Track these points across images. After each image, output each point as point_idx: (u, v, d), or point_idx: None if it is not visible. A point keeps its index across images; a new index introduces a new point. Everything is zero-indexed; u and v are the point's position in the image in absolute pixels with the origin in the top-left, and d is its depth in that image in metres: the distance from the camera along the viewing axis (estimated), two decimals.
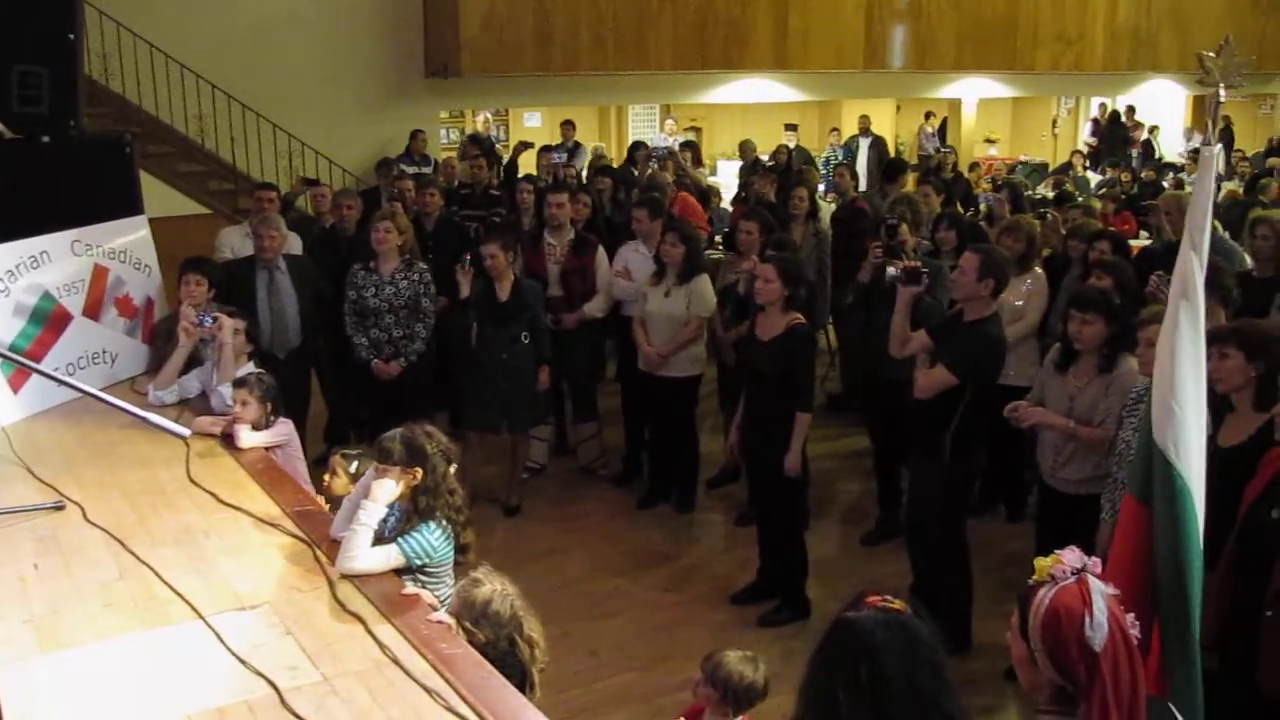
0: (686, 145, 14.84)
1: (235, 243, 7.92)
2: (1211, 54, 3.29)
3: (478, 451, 7.30)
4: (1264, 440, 4.05)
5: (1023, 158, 18.94)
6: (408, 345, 7.12)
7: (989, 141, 18.68)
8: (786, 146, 14.64)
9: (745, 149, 14.20)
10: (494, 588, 3.36)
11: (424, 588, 3.73)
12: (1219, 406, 4.16)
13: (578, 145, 14.21)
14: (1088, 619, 2.44)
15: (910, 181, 11.70)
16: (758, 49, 14.34)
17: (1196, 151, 15.96)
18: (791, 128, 16.39)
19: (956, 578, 5.59)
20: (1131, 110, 19.29)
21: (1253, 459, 4.00)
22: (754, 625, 5.93)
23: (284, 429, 5.06)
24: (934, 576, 5.65)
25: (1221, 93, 3.31)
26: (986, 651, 5.37)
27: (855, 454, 8.20)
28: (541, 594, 4.24)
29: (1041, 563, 2.53)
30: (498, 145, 15.67)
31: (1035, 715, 2.57)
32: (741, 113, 17.42)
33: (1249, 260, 7.02)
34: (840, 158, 15.82)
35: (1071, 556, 2.51)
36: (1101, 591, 2.49)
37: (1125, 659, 2.47)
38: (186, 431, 3.98)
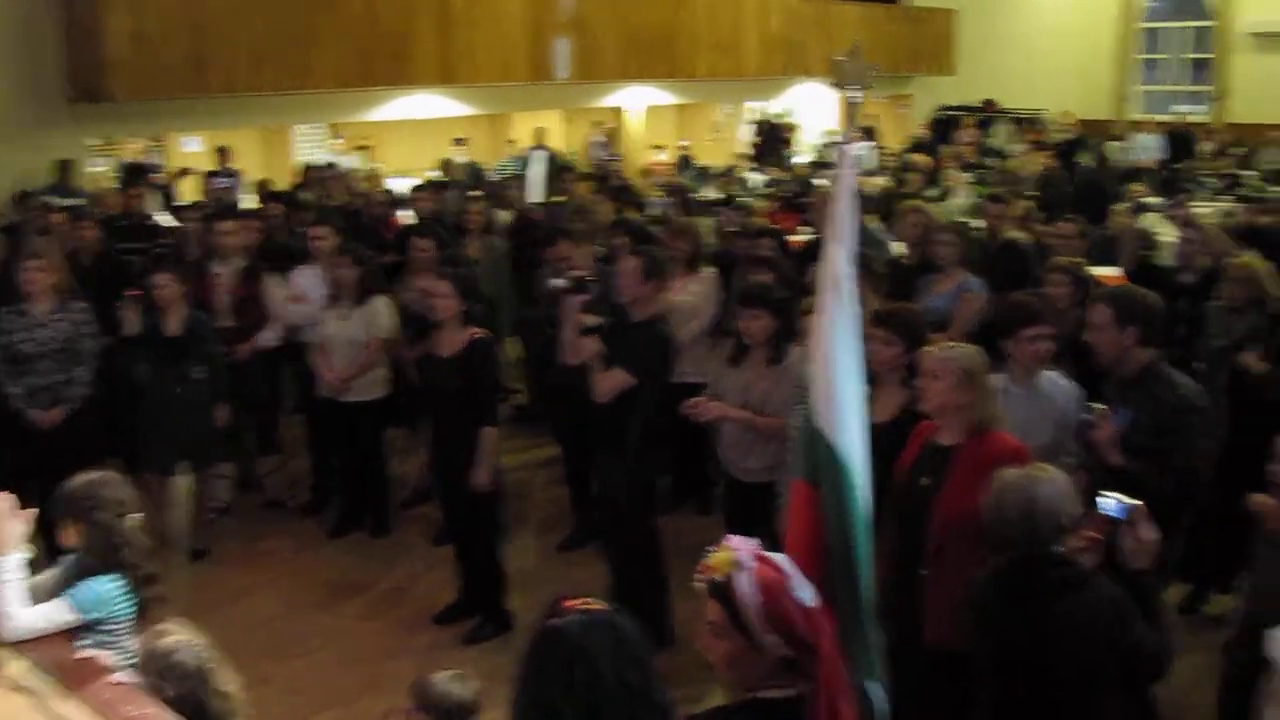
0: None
1: None
2: (842, 59, 3.47)
3: (158, 495, 6.96)
4: (911, 414, 4.36)
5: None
6: (68, 390, 6.66)
7: (656, 148, 19.20)
8: (455, 160, 14.56)
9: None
10: (179, 639, 3.21)
11: (103, 647, 3.53)
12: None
13: (236, 172, 13.70)
14: (791, 581, 2.54)
15: (583, 190, 11.90)
16: (423, 64, 14.22)
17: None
18: (461, 142, 16.39)
19: (653, 574, 5.74)
20: (787, 113, 20.26)
21: (904, 432, 4.31)
22: (459, 645, 5.90)
23: None
24: (632, 575, 5.77)
25: (855, 95, 3.50)
26: (687, 644, 5.52)
27: (547, 463, 8.27)
28: (235, 638, 4.07)
29: (720, 558, 2.56)
30: (156, 173, 14.96)
31: (752, 696, 2.58)
32: (411, 129, 17.25)
33: (897, 249, 7.53)
34: (515, 170, 15.93)
35: (738, 541, 2.59)
36: (782, 558, 2.60)
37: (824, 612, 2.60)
38: None
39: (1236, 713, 3.98)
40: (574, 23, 15.66)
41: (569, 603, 2.41)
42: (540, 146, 16.79)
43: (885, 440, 4.32)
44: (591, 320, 5.89)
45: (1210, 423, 4.61)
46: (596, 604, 2.41)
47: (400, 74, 14.15)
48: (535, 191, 14.83)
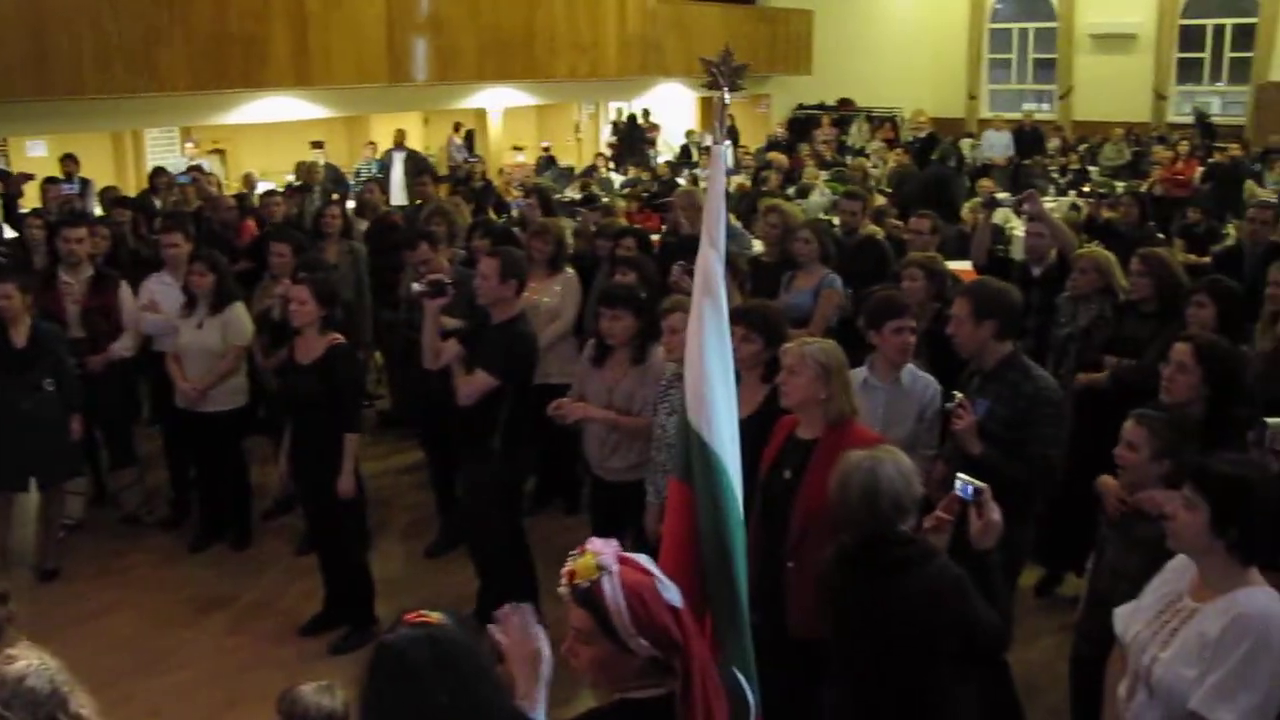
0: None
1: None
2: (714, 59, 3.49)
3: (5, 512, 6.73)
4: (772, 409, 4.44)
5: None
6: None
7: (516, 149, 19.16)
8: (312, 163, 14.30)
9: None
10: (29, 663, 3.08)
11: None
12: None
13: (85, 181, 13.25)
14: (658, 582, 2.55)
15: (443, 192, 11.82)
16: (277, 66, 13.94)
17: (706, 149, 17.19)
18: (319, 145, 16.13)
19: (520, 577, 5.73)
20: (646, 113, 20.40)
21: (765, 427, 4.38)
22: (327, 655, 5.81)
23: None
24: (499, 578, 5.76)
25: (727, 95, 3.52)
26: (557, 646, 5.51)
27: (411, 468, 8.21)
28: (92, 659, 3.98)
29: (583, 563, 2.53)
30: None
31: (622, 698, 2.58)
32: (266, 132, 16.92)
33: (758, 246, 7.63)
34: (374, 172, 15.75)
35: (600, 544, 2.58)
36: (644, 559, 2.62)
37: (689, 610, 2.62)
38: None
39: (1087, 687, 4.12)
40: (431, 23, 15.53)
41: (409, 616, 2.39)
42: (400, 148, 16.62)
43: (747, 435, 4.39)
44: (451, 323, 5.86)
45: (1062, 414, 4.75)
46: (433, 617, 2.38)
47: (254, 75, 13.85)
48: (395, 194, 14.70)
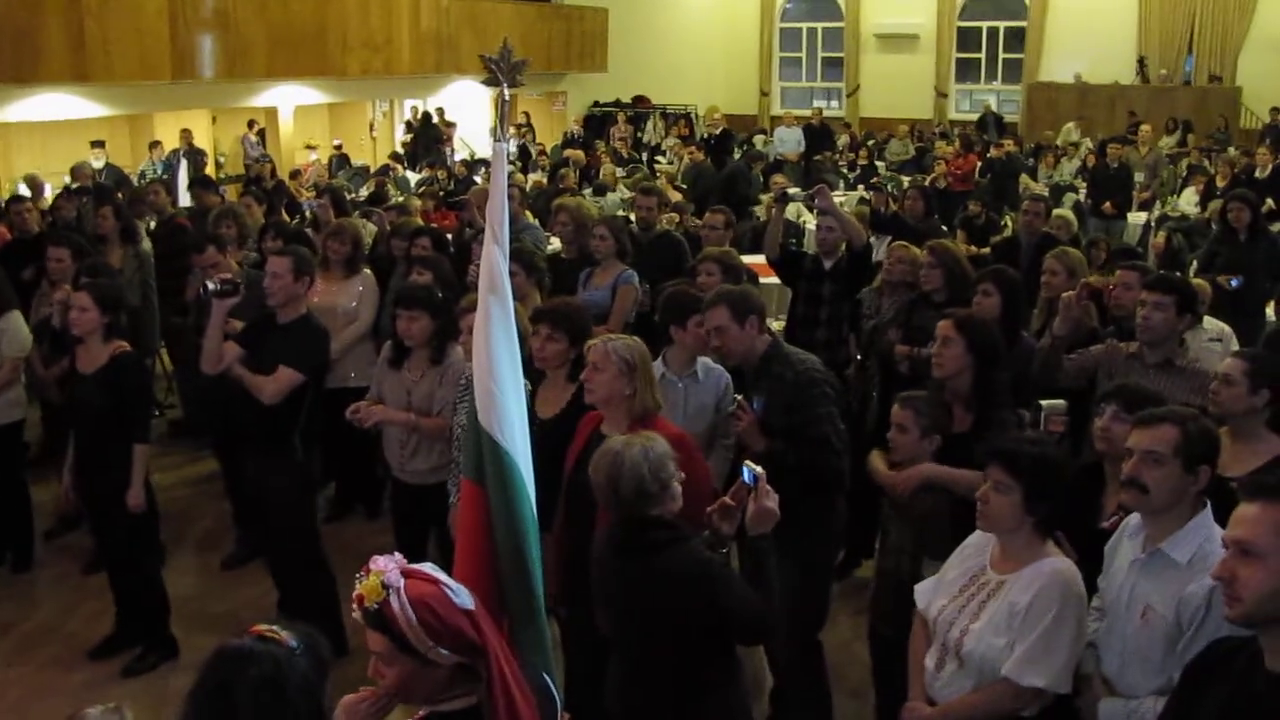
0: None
1: None
2: (493, 55, 3.45)
3: None
4: (579, 407, 4.44)
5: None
6: None
7: (309, 148, 18.72)
8: (83, 163, 13.67)
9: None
10: None
11: None
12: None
13: None
14: (446, 589, 2.53)
15: (232, 193, 11.47)
16: (52, 61, 13.24)
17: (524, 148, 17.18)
18: (99, 144, 15.45)
19: (319, 583, 5.59)
20: (441, 111, 20.20)
21: (572, 425, 4.39)
22: (120, 678, 5.57)
23: None
24: (298, 586, 5.63)
25: (506, 91, 3.49)
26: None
27: (205, 479, 7.92)
28: None
29: (368, 585, 2.49)
30: None
31: (432, 711, 2.56)
32: (41, 131, 16.11)
33: (555, 244, 7.63)
34: (159, 173, 15.18)
35: (383, 561, 2.54)
36: (430, 567, 2.59)
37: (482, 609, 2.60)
38: None
39: (888, 665, 4.27)
40: (218, 18, 15.02)
41: (256, 629, 2.35)
42: (187, 148, 16.05)
43: (555, 434, 4.40)
44: (237, 325, 5.70)
45: (838, 390, 4.86)
46: (271, 630, 2.35)
47: (27, 71, 13.12)
48: (182, 196, 14.19)
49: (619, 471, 3.37)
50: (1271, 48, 23.14)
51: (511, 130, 18.52)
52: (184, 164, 15.77)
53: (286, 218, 10.96)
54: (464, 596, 2.54)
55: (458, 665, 2.51)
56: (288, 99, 17.50)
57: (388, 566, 2.50)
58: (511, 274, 3.55)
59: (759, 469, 3.39)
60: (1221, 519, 2.81)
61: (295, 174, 16.25)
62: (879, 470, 4.47)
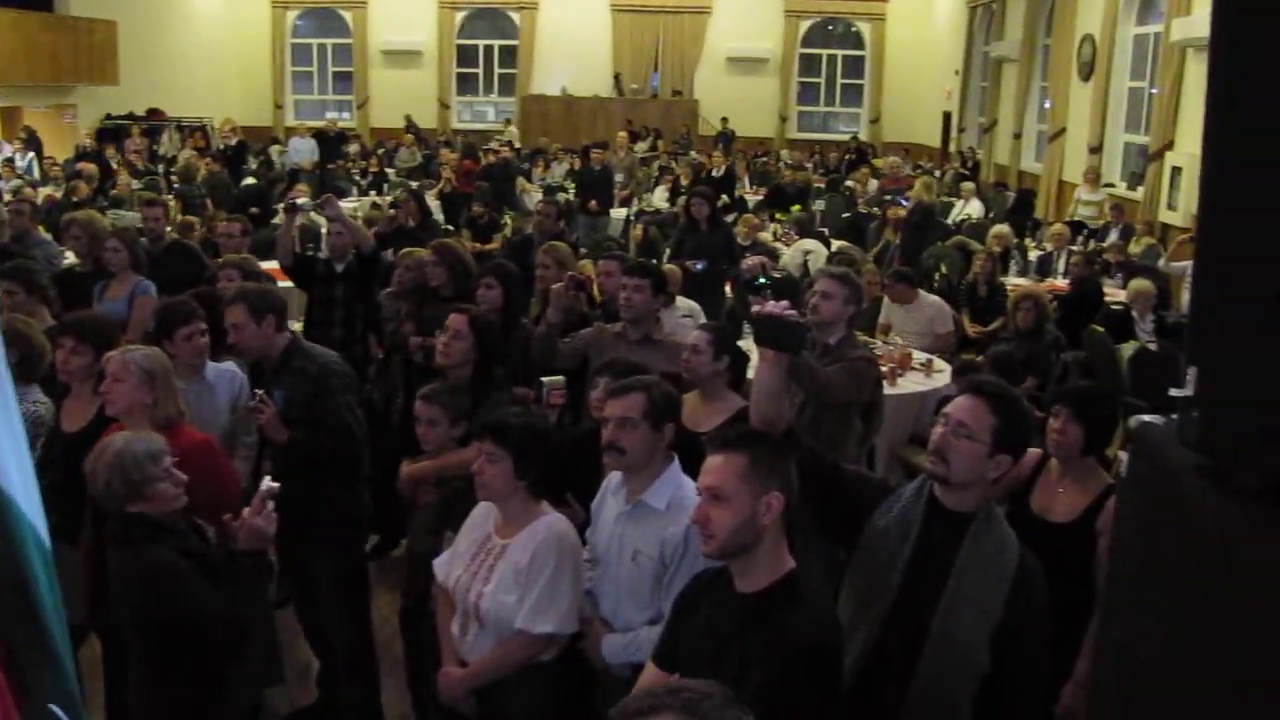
0: None
1: None
2: None
3: None
4: (105, 420, 4.13)
5: None
6: None
7: None
8: None
9: None
10: None
11: None
12: None
13: None
14: None
15: None
16: None
17: (10, 160, 15.54)
18: None
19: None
20: None
21: (97, 438, 4.06)
22: None
23: None
24: None
25: None
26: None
27: None
28: None
29: None
30: None
31: None
32: None
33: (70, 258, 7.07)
34: None
35: None
36: None
37: None
38: None
39: (417, 636, 4.28)
40: None
41: None
42: None
43: (82, 447, 4.05)
44: None
45: (356, 382, 4.84)
46: None
47: None
48: None
49: (93, 468, 3.26)
50: (719, 68, 25.41)
51: (17, 144, 16.86)
52: None
53: None
54: None
55: None
56: None
57: None
58: (10, 292, 3.26)
59: (274, 484, 3.32)
60: (694, 470, 3.00)
61: None
62: (408, 474, 4.44)
